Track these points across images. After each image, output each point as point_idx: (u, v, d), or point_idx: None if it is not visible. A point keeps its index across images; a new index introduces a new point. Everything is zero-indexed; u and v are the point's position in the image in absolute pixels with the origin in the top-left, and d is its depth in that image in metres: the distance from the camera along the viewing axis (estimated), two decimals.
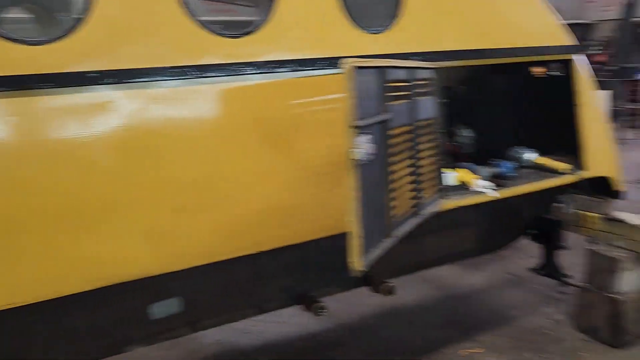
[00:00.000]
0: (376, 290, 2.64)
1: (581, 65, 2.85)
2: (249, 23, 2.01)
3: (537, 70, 3.06)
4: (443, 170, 2.43)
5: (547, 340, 3.29)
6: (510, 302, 3.81)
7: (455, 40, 2.48)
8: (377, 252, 1.72)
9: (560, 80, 2.92)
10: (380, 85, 1.74)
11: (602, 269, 3.20)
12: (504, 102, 3.34)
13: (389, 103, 1.80)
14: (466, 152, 3.28)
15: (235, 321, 2.50)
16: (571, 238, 3.67)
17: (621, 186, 3.07)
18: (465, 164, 2.74)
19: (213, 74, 1.85)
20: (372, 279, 2.62)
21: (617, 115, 9.51)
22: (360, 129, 1.54)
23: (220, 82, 1.85)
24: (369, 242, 1.65)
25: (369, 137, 1.58)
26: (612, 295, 3.14)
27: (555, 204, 3.33)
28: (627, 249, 3.25)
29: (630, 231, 3.25)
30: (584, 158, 2.80)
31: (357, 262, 1.58)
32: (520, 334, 3.37)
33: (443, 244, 2.87)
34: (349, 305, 3.70)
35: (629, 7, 12.03)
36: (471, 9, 2.72)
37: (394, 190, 1.83)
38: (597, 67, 11.86)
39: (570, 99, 2.84)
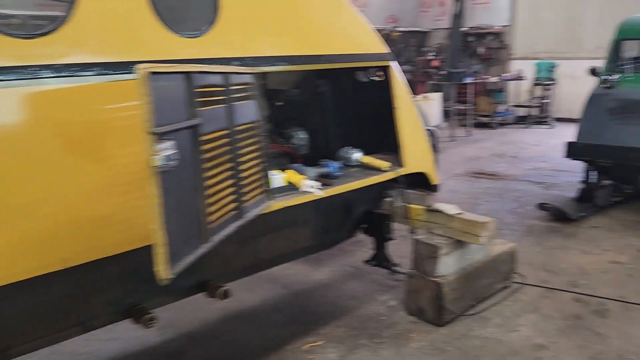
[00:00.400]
0: (212, 295, 2.63)
1: (397, 71, 3.11)
2: (47, 21, 1.87)
3: (362, 76, 3.27)
4: (270, 172, 2.50)
5: (382, 325, 3.54)
6: (350, 293, 4.03)
7: (278, 46, 2.57)
8: (189, 258, 1.71)
9: (380, 86, 3.15)
10: (187, 90, 1.74)
11: (425, 256, 3.52)
12: (334, 106, 3.52)
13: (200, 108, 1.80)
14: (301, 153, 3.41)
15: (56, 343, 2.33)
16: (404, 229, 4.00)
17: (436, 180, 3.40)
18: (294, 165, 2.84)
19: (2, 78, 1.69)
20: (206, 284, 2.60)
21: (448, 115, 10.53)
22: (160, 136, 1.52)
23: (12, 86, 1.70)
24: (179, 249, 1.64)
25: (172, 143, 1.57)
26: (434, 279, 3.47)
27: (384, 199, 3.59)
28: (445, 236, 3.62)
29: (447, 220, 3.62)
30: (402, 156, 3.06)
31: (163, 270, 1.56)
32: (357, 322, 3.58)
33: (279, 244, 2.95)
34: (191, 313, 3.64)
35: (457, 18, 13.39)
36: (296, 17, 2.84)
37: (210, 195, 1.84)
38: (432, 72, 13.06)
39: (389, 102, 3.08)
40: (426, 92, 12.40)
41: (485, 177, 7.58)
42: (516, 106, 12.65)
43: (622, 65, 5.97)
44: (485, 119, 11.90)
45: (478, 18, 13.45)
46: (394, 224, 3.75)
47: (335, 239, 3.43)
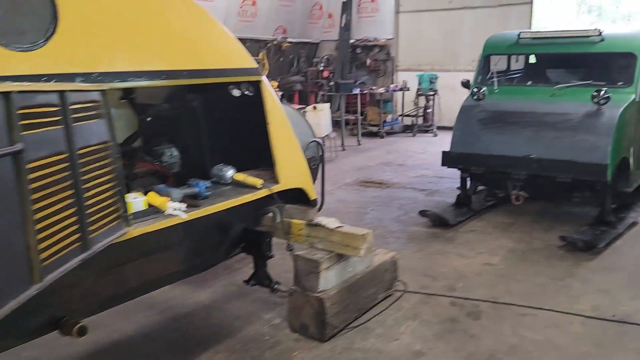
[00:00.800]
0: (67, 333, 2.37)
1: (268, 86, 3.05)
2: None
3: (234, 90, 3.16)
4: (129, 195, 2.31)
5: (265, 346, 3.44)
6: (234, 314, 3.89)
7: (134, 60, 2.39)
8: (13, 303, 1.50)
9: (253, 100, 3.07)
10: (7, 113, 1.53)
11: (306, 272, 3.48)
12: (208, 121, 3.38)
13: (26, 132, 1.60)
14: (172, 171, 3.23)
15: None
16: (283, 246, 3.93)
17: (314, 195, 3.38)
18: (159, 186, 2.67)
19: None
20: (60, 322, 2.35)
21: (338, 125, 10.72)
22: None
23: None
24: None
25: None
26: (315, 295, 3.44)
27: (263, 216, 3.50)
28: (326, 250, 3.61)
29: (328, 234, 3.61)
30: (276, 172, 3.00)
31: None
32: (239, 345, 3.45)
33: (147, 270, 2.75)
34: (60, 348, 3.31)
35: (345, 30, 13.77)
36: (156, 31, 2.67)
37: (42, 228, 1.64)
38: (323, 82, 13.29)
39: (262, 117, 3.00)
40: (316, 103, 12.58)
41: (373, 185, 7.78)
42: (403, 116, 13.21)
43: (490, 78, 6.40)
44: (374, 129, 12.29)
45: (365, 31, 13.92)
46: (278, 240, 3.67)
47: (212, 261, 3.28)
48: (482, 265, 4.71)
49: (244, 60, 2.92)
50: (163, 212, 2.45)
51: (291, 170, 3.14)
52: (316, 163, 6.07)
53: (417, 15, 13.38)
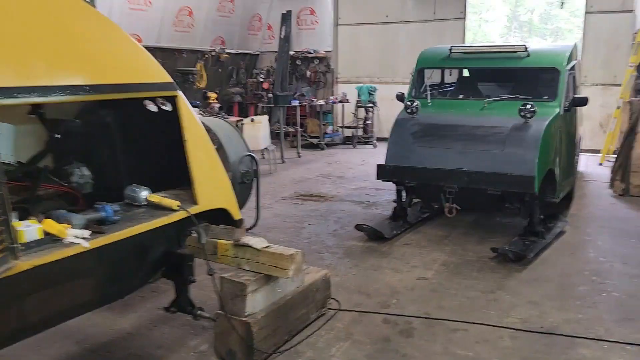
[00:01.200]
0: None
1: (185, 102, 2.89)
2: None
3: (151, 105, 2.98)
4: (20, 223, 2.10)
5: None
6: (158, 341, 3.67)
7: (23, 75, 2.18)
8: None
9: (170, 117, 2.90)
10: None
11: (232, 295, 3.32)
12: (123, 138, 3.18)
13: None
14: (83, 193, 3.00)
15: None
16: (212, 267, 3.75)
17: (239, 215, 3.23)
18: (59, 211, 2.45)
19: None
20: None
21: (278, 137, 10.60)
22: None
23: None
24: None
25: None
26: (242, 319, 3.28)
27: (185, 237, 3.31)
28: (254, 272, 3.46)
29: (255, 254, 3.46)
30: (195, 193, 2.83)
31: None
32: None
33: (52, 302, 2.51)
34: None
35: (284, 42, 13.70)
36: (56, 43, 2.47)
37: None
38: (263, 94, 13.15)
39: (179, 134, 2.84)
40: (256, 115, 12.42)
41: (311, 199, 7.69)
42: (343, 127, 13.25)
43: (424, 91, 6.48)
44: (314, 140, 12.25)
45: (305, 42, 13.90)
46: (205, 262, 3.49)
47: (129, 287, 3.06)
48: (416, 280, 4.69)
49: (158, 74, 2.75)
50: (62, 240, 2.24)
51: (212, 190, 2.98)
52: (250, 177, 5.92)
53: (355, 29, 13.50)
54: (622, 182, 7.72)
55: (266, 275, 3.45)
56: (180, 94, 2.81)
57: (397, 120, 5.96)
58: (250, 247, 3.45)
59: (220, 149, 5.69)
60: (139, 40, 10.22)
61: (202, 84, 11.88)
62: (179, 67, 11.52)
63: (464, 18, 12.28)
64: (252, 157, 5.94)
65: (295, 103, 10.73)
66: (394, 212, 6.17)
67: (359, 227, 5.77)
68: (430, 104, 6.24)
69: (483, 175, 5.14)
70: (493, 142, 5.33)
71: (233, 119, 10.58)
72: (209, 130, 5.82)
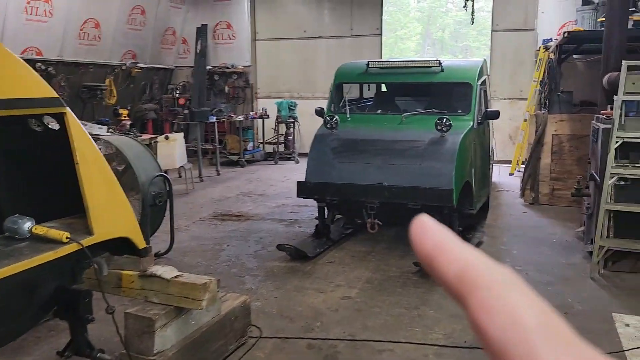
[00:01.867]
0: None
1: (75, 119, 2.58)
2: None
3: (35, 124, 2.63)
4: None
5: None
6: None
7: None
8: None
9: (58, 136, 2.56)
10: None
11: (138, 332, 3.00)
12: (4, 162, 2.79)
13: None
14: None
15: None
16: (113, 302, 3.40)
17: (144, 244, 2.92)
18: None
19: None
20: None
21: (196, 155, 10.19)
22: None
23: None
24: None
25: None
26: (151, 358, 2.96)
27: (82, 271, 2.95)
28: (163, 304, 3.16)
29: (164, 285, 3.16)
30: (90, 221, 2.51)
31: None
32: None
33: None
34: None
35: (201, 56, 13.34)
36: None
37: None
38: (178, 110, 12.67)
39: (69, 156, 2.51)
40: (172, 132, 11.93)
41: (231, 218, 7.39)
42: (264, 143, 13.04)
43: (343, 106, 6.42)
44: (234, 157, 11.93)
45: (222, 57, 13.60)
46: (106, 298, 3.13)
47: (14, 331, 2.66)
48: (340, 300, 4.54)
49: (41, 89, 2.42)
50: None
51: (111, 217, 2.67)
52: (163, 199, 5.56)
53: (274, 43, 13.40)
54: (531, 191, 8.06)
55: (177, 308, 3.16)
56: (69, 111, 2.49)
57: (316, 135, 5.84)
58: (159, 277, 3.15)
59: (128, 169, 5.30)
60: (39, 54, 9.49)
61: (112, 100, 11.24)
62: (86, 82, 10.84)
63: (381, 34, 12.53)
64: (165, 178, 5.60)
65: (213, 119, 10.39)
66: (316, 230, 6.02)
67: (280, 247, 5.57)
68: (349, 118, 6.18)
69: (403, 190, 5.11)
70: (411, 157, 5.33)
71: (146, 136, 10.06)
72: (117, 150, 5.43)
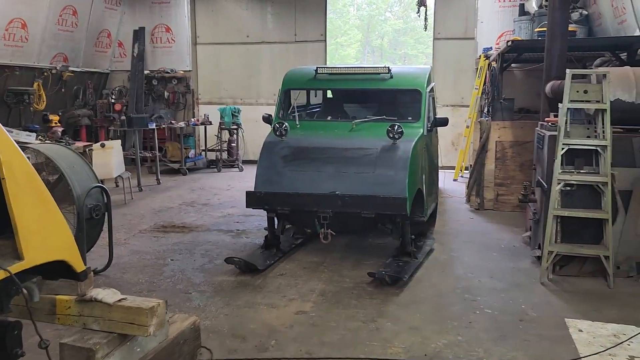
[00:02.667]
0: None
1: (1, 129, 2.26)
2: None
3: None
4: None
5: None
6: None
7: None
8: None
9: None
10: None
11: None
12: None
13: None
14: None
15: None
16: (47, 332, 3.06)
17: (82, 266, 2.62)
18: None
19: None
20: None
21: (134, 163, 9.69)
22: None
23: None
24: None
25: None
26: None
27: (9, 298, 2.61)
28: (105, 332, 2.85)
29: (106, 310, 2.86)
30: (20, 244, 2.20)
31: None
32: None
33: None
34: None
35: (138, 60, 12.78)
36: None
37: None
38: (115, 117, 12.07)
39: None
40: (107, 139, 11.34)
41: (174, 230, 7.03)
42: (207, 150, 12.65)
43: (292, 113, 6.24)
44: (175, 165, 11.48)
45: (161, 61, 13.10)
46: (36, 327, 2.79)
47: None
48: (295, 315, 4.34)
49: None
50: None
51: (44, 238, 2.36)
52: (100, 212, 5.17)
53: (215, 48, 13.05)
54: (477, 197, 8.18)
55: (121, 335, 2.87)
56: None
57: (265, 143, 5.63)
58: (100, 301, 2.85)
59: (61, 180, 4.89)
60: None
61: (41, 106, 10.53)
62: (11, 86, 10.09)
63: (325, 40, 12.47)
64: (102, 189, 5.21)
65: (152, 126, 9.92)
66: (266, 241, 5.79)
67: (229, 260, 5.30)
68: (298, 125, 6.01)
69: (356, 199, 4.99)
70: (364, 164, 5.23)
71: (80, 144, 9.49)
72: (48, 159, 5.00)
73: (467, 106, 11.33)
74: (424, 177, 5.79)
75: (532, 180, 6.18)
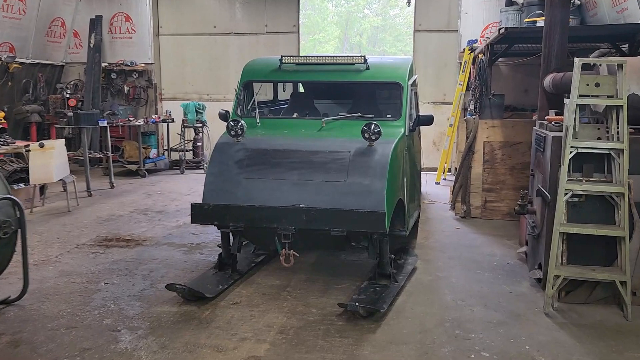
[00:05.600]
0: None
1: None
2: None
3: None
4: None
5: None
6: None
7: None
8: None
9: None
10: None
11: None
12: None
13: None
14: None
15: None
16: None
17: None
18: None
19: None
20: None
21: (85, 164, 8.67)
22: None
23: None
24: None
25: None
26: None
27: None
28: None
29: None
30: None
31: None
32: None
33: None
34: None
35: (94, 51, 11.72)
36: None
37: None
38: (67, 113, 10.98)
39: None
40: (61, 137, 10.30)
41: (118, 244, 6.07)
42: (170, 150, 11.67)
43: (252, 109, 5.35)
44: (133, 167, 10.46)
45: (120, 53, 12.05)
46: None
47: None
48: None
49: None
50: None
51: None
52: (10, 229, 4.22)
53: (180, 39, 12.06)
54: (463, 204, 7.39)
55: None
56: None
57: (217, 145, 4.73)
58: None
59: None
60: None
61: None
62: None
63: (298, 32, 11.57)
64: (14, 201, 4.25)
65: (104, 123, 8.89)
66: (219, 261, 4.89)
67: (170, 287, 4.37)
68: (259, 124, 5.12)
69: (324, 213, 4.11)
70: (334, 171, 4.36)
71: (21, 143, 8.44)
72: None
73: (450, 103, 10.57)
74: (405, 184, 4.95)
75: (528, 188, 5.39)
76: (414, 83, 5.72)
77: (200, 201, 4.39)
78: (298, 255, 4.27)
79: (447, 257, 5.64)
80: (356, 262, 5.41)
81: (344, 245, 4.52)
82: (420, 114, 5.61)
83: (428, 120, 5.32)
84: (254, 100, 5.34)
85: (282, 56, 5.46)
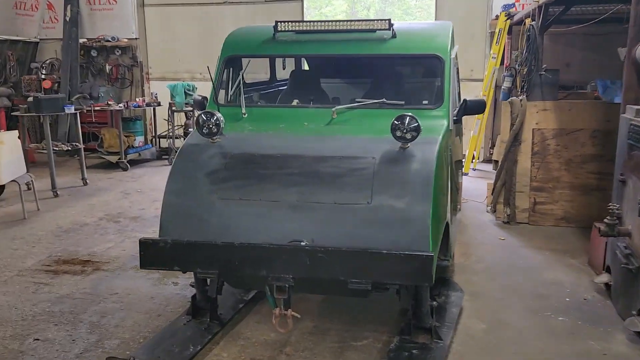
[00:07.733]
0: None
1: None
2: None
3: None
4: None
5: None
6: None
7: None
8: None
9: None
10: None
11: None
12: None
13: None
14: None
15: None
16: None
17: None
18: None
19: None
20: None
21: (50, 159, 7.31)
22: None
23: None
24: None
25: None
26: None
27: None
28: None
29: None
30: None
31: None
32: None
33: None
34: None
35: (71, 26, 10.29)
36: None
37: None
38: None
39: None
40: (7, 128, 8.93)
41: (72, 268, 4.74)
42: (159, 138, 10.31)
43: (236, 95, 3.93)
44: (114, 158, 9.10)
45: (100, 27, 10.60)
46: None
47: None
48: None
49: None
50: None
51: None
52: None
53: (167, 10, 10.57)
54: (506, 206, 5.97)
55: None
56: None
57: (182, 148, 3.32)
58: None
59: None
60: None
61: None
62: None
63: (302, 0, 10.04)
64: None
65: (70, 110, 7.49)
66: (193, 306, 3.54)
67: None
68: (245, 115, 3.71)
69: (338, 256, 2.71)
70: (352, 188, 2.94)
71: None
72: None
73: (479, 80, 9.10)
74: (449, 199, 3.55)
75: (613, 198, 3.97)
76: (456, 56, 4.27)
77: (146, 238, 2.99)
78: (299, 317, 2.89)
79: (500, 288, 4.25)
80: (380, 300, 4.03)
81: (365, 295, 3.12)
82: (468, 98, 4.11)
83: (478, 107, 3.86)
84: (240, 82, 3.90)
85: (277, 22, 4.01)
